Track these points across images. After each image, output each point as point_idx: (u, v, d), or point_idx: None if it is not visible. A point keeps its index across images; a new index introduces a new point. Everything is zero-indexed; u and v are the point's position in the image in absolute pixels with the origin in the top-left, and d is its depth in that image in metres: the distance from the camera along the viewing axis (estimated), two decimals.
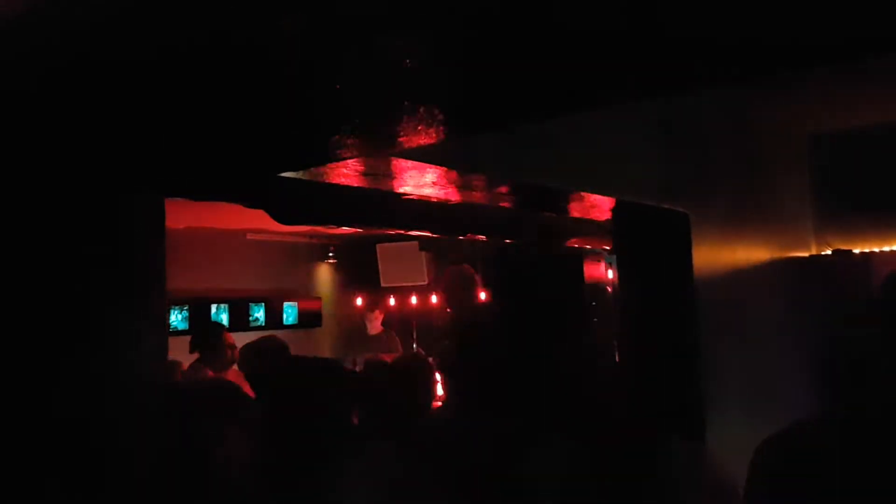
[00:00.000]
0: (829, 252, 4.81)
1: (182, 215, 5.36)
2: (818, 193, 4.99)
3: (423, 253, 7.58)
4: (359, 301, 7.72)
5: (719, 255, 3.84)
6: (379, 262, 7.85)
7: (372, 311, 6.98)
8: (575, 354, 3.68)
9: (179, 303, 6.45)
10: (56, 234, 1.66)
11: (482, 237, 4.72)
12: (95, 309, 1.68)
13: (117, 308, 1.71)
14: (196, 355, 4.54)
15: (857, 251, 4.75)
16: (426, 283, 7.67)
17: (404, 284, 7.78)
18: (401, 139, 1.88)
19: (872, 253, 4.74)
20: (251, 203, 2.64)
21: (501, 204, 3.21)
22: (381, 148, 2.05)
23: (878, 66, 3.50)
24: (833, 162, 4.92)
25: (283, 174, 2.26)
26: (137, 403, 1.69)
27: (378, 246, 7.79)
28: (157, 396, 1.71)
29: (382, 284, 7.86)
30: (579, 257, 4.90)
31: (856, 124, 4.75)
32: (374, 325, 6.93)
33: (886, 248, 4.75)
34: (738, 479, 1.74)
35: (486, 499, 1.94)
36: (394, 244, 7.65)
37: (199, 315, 6.58)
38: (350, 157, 2.20)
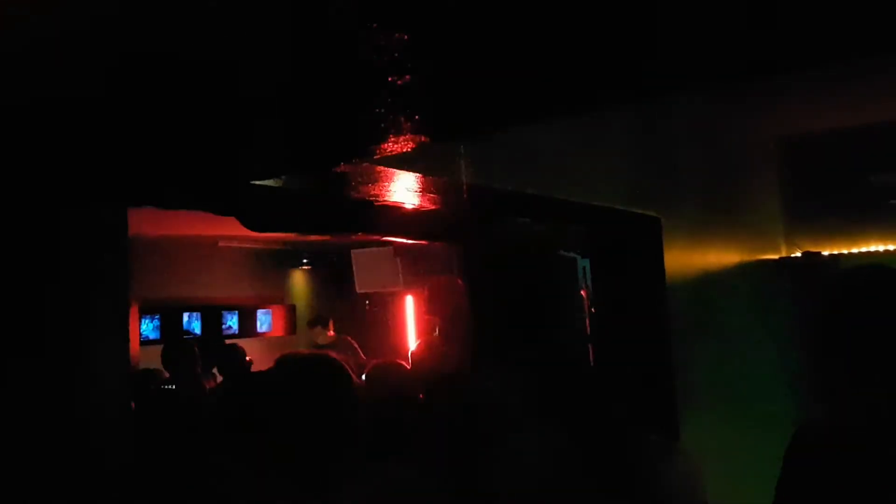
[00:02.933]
0: (798, 254, 4.88)
1: (153, 223, 5.30)
2: (788, 196, 5.06)
3: (399, 258, 7.56)
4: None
5: (690, 258, 3.88)
6: (354, 268, 7.82)
7: (313, 327, 7.01)
8: (551, 354, 3.70)
9: (151, 311, 6.38)
10: (12, 246, 1.64)
11: (456, 242, 4.73)
12: (53, 322, 1.66)
13: (76, 320, 1.69)
14: None
15: (826, 253, 4.82)
16: (401, 288, 7.65)
17: (380, 290, 7.76)
18: (375, 148, 1.88)
19: (841, 255, 4.81)
20: (222, 211, 2.62)
21: (474, 210, 3.22)
22: (355, 157, 2.04)
23: (846, 69, 3.55)
24: (802, 165, 4.99)
25: (255, 182, 2.24)
26: (100, 415, 1.67)
27: (353, 252, 7.75)
28: (119, 407, 1.68)
29: (357, 290, 7.83)
30: (554, 260, 4.92)
31: (824, 127, 4.82)
32: (324, 337, 6.94)
33: (855, 250, 4.82)
34: (709, 476, 1.76)
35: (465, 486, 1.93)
36: (368, 250, 7.62)
37: (170, 324, 6.51)
38: (323, 166, 2.19)
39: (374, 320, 7.87)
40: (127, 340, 1.75)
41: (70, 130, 1.72)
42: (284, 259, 7.98)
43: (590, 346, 4.39)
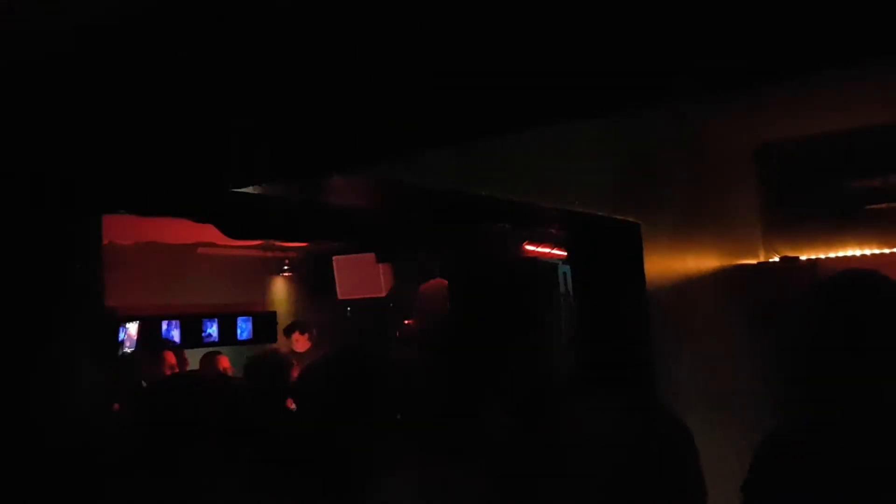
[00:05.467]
0: (776, 259, 4.92)
1: (130, 230, 5.26)
2: (765, 202, 5.10)
3: (381, 265, 7.53)
4: None
5: (670, 263, 3.89)
6: (335, 275, 7.78)
7: (290, 334, 6.95)
8: (532, 359, 3.70)
9: (128, 320, 6.30)
10: None
11: (436, 249, 4.72)
12: (23, 336, 1.63)
13: (49, 333, 1.66)
14: None
15: (803, 258, 4.86)
16: (384, 294, 7.62)
17: (362, 297, 7.73)
18: (353, 155, 1.86)
19: (819, 259, 4.86)
20: (200, 218, 2.59)
21: (453, 216, 3.21)
22: (332, 166, 2.03)
23: (823, 75, 3.58)
24: (780, 170, 5.03)
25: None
26: (74, 429, 1.64)
27: (334, 258, 7.72)
28: (95, 420, 1.66)
29: (339, 297, 7.80)
30: (533, 267, 4.93)
31: (801, 133, 4.87)
32: (300, 344, 6.88)
33: (832, 255, 4.87)
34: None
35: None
36: (350, 256, 7.60)
37: (148, 332, 6.43)
38: (299, 174, 2.17)
39: (356, 327, 7.83)
40: (101, 354, 1.73)
41: (40, 133, 1.69)
42: (265, 266, 7.92)
43: (570, 351, 4.39)
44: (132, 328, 6.29)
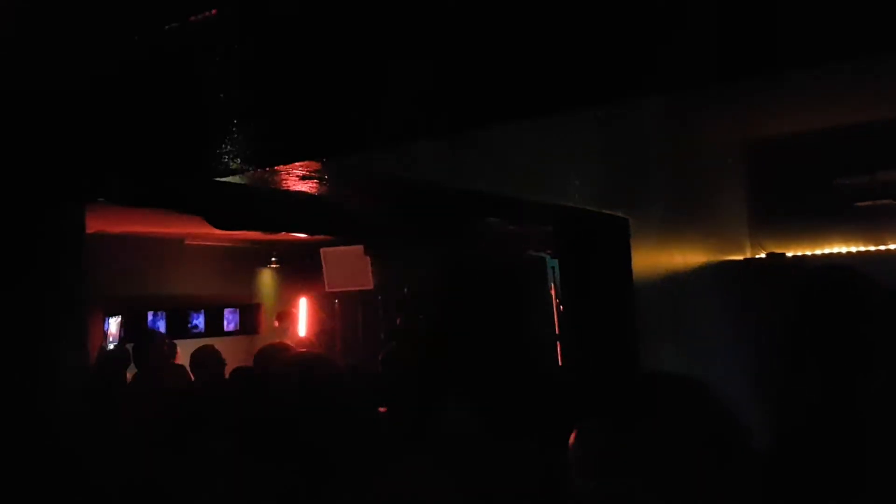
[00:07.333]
0: (763, 255, 4.95)
1: (118, 221, 5.21)
2: (753, 198, 5.12)
3: (369, 257, 7.51)
4: None
5: (658, 258, 3.90)
6: (323, 267, 7.76)
7: (281, 321, 6.95)
8: (518, 352, 3.71)
9: (114, 311, 6.26)
10: None
11: (425, 243, 4.71)
12: (5, 325, 1.61)
13: (30, 324, 1.64)
14: None
15: (790, 254, 4.89)
16: (372, 287, 7.59)
17: (350, 289, 7.70)
18: (341, 145, 1.85)
19: (805, 256, 4.89)
20: (187, 209, 2.57)
21: (444, 210, 3.20)
22: (323, 154, 2.01)
23: (810, 74, 3.60)
24: (768, 167, 5.06)
25: (220, 179, 2.20)
26: (56, 418, 1.63)
27: (322, 250, 7.69)
28: (76, 408, 1.64)
29: (327, 289, 7.77)
30: (521, 262, 4.93)
31: (790, 130, 4.89)
32: (290, 333, 6.87)
33: (818, 252, 4.90)
34: None
35: None
36: (338, 248, 7.57)
37: (134, 323, 6.40)
38: (290, 162, 2.16)
39: (343, 319, 7.81)
40: (83, 342, 1.71)
41: (25, 124, 1.67)
42: (252, 257, 7.89)
43: (558, 344, 4.41)
44: (114, 321, 6.26)
